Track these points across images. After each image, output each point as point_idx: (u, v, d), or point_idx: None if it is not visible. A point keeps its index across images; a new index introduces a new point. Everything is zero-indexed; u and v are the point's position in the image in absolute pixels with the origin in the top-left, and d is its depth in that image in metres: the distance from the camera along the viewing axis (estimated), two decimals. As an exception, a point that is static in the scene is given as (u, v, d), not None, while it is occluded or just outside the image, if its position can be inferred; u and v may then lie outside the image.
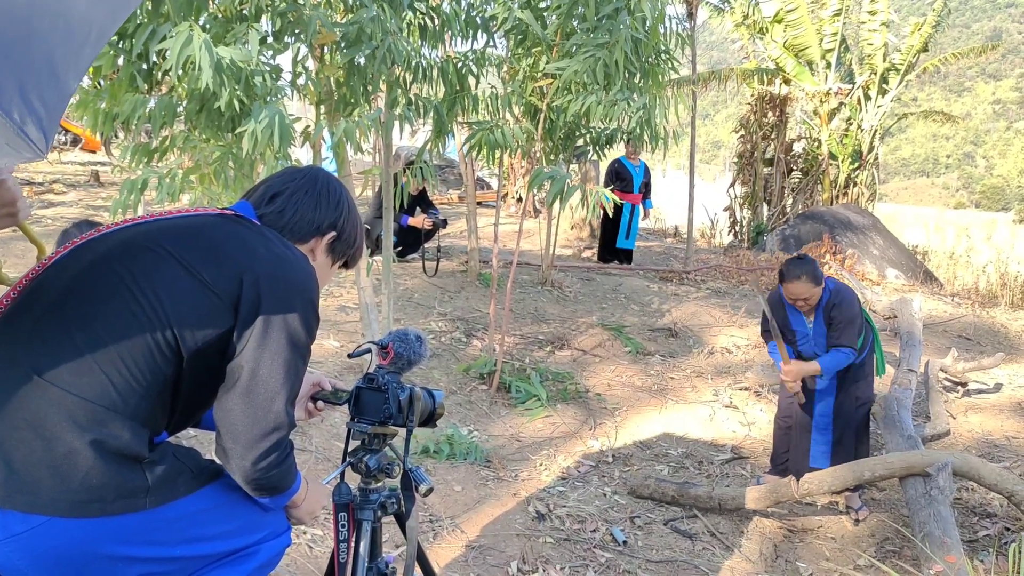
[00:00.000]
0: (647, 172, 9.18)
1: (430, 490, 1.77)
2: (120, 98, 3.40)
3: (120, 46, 3.41)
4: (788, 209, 12.83)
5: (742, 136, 13.08)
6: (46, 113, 1.43)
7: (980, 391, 5.80)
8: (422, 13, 4.29)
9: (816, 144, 13.05)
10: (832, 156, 12.86)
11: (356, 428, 1.75)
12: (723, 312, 7.17)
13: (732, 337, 6.52)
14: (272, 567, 1.59)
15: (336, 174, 3.43)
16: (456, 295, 6.66)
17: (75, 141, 14.39)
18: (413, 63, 4.14)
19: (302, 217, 1.59)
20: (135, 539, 1.33)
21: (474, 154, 4.95)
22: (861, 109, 12.84)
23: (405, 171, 4.91)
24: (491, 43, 4.72)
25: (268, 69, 3.47)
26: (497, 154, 4.93)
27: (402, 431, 1.77)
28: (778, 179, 12.90)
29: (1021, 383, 6.01)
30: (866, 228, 10.40)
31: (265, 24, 3.67)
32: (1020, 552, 2.61)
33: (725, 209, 13.27)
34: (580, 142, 6.46)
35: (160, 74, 3.55)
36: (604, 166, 9.50)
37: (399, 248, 7.16)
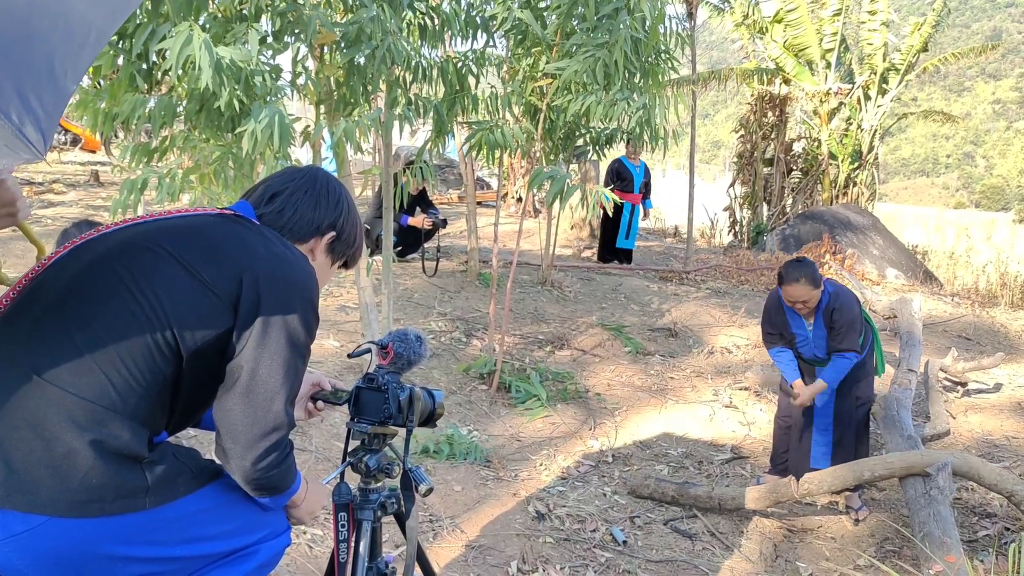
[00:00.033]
0: (647, 172, 9.18)
1: (430, 490, 1.77)
2: (120, 98, 3.40)
3: (120, 46, 3.41)
4: (788, 209, 12.84)
5: (742, 136, 13.08)
6: (44, 114, 1.43)
7: (980, 391, 5.80)
8: (422, 13, 4.29)
9: (816, 144, 13.05)
10: (832, 156, 12.86)
11: (356, 428, 1.75)
12: (723, 312, 7.17)
13: (732, 337, 6.53)
14: (272, 567, 1.59)
15: (336, 174, 3.45)
16: (456, 295, 6.66)
17: (75, 141, 14.39)
18: (413, 63, 4.14)
19: (301, 217, 1.59)
20: (135, 539, 1.33)
21: (474, 154, 4.95)
22: (861, 109, 12.84)
23: (405, 171, 4.91)
24: (491, 43, 4.72)
25: (268, 69, 3.47)
26: (497, 154, 4.93)
27: (402, 431, 1.77)
28: (778, 179, 12.90)
29: (1021, 383, 6.01)
30: (866, 228, 10.40)
31: (265, 24, 3.67)
32: (1020, 552, 2.61)
33: (725, 209, 13.27)
34: (580, 142, 6.46)
35: (160, 74, 3.55)
36: (604, 166, 9.50)
37: (399, 248, 7.16)
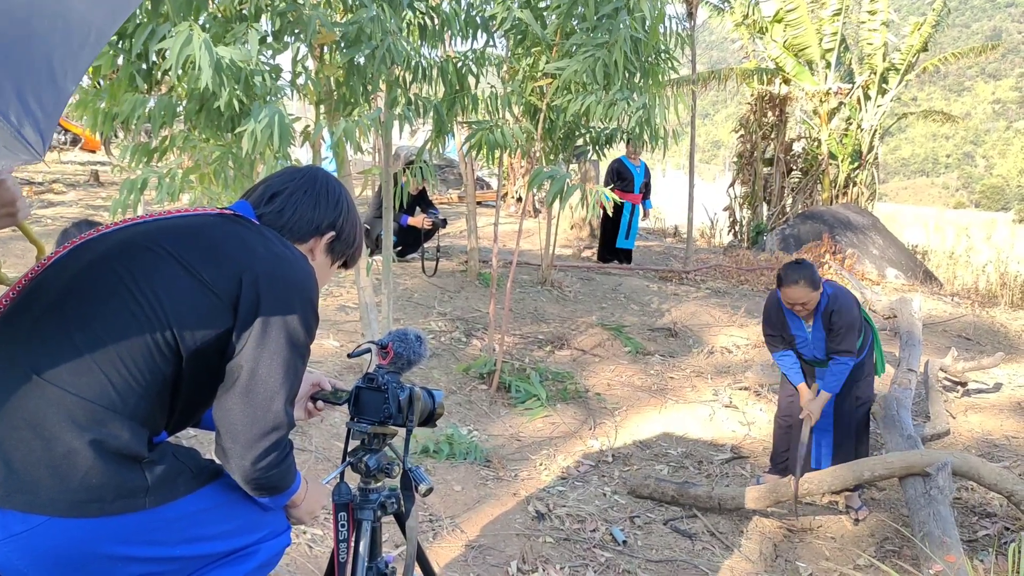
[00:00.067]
0: (647, 172, 9.18)
1: (430, 490, 1.77)
2: (120, 98, 3.40)
3: (120, 46, 3.41)
4: (788, 209, 12.84)
5: (742, 136, 13.08)
6: (43, 115, 1.43)
7: (980, 391, 5.80)
8: (422, 13, 4.29)
9: (816, 144, 13.05)
10: (832, 156, 12.86)
11: (356, 428, 1.75)
12: (723, 312, 7.17)
13: (732, 337, 6.53)
14: (272, 567, 1.59)
15: (336, 174, 3.45)
16: (456, 295, 6.66)
17: (75, 141, 14.38)
18: (413, 63, 4.14)
19: (301, 217, 1.59)
20: (134, 539, 1.33)
21: (474, 154, 4.95)
22: (861, 109, 12.84)
23: (405, 171, 4.91)
24: (491, 43, 4.72)
25: (268, 69, 3.47)
26: (497, 154, 4.93)
27: (402, 431, 1.77)
28: (778, 179, 12.90)
29: (1021, 383, 6.01)
30: (866, 228, 10.40)
31: (265, 24, 3.67)
32: (1020, 552, 2.61)
33: (725, 209, 13.27)
34: (580, 142, 6.46)
35: (160, 74, 3.55)
36: (604, 166, 9.50)
37: (399, 248, 7.15)
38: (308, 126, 3.89)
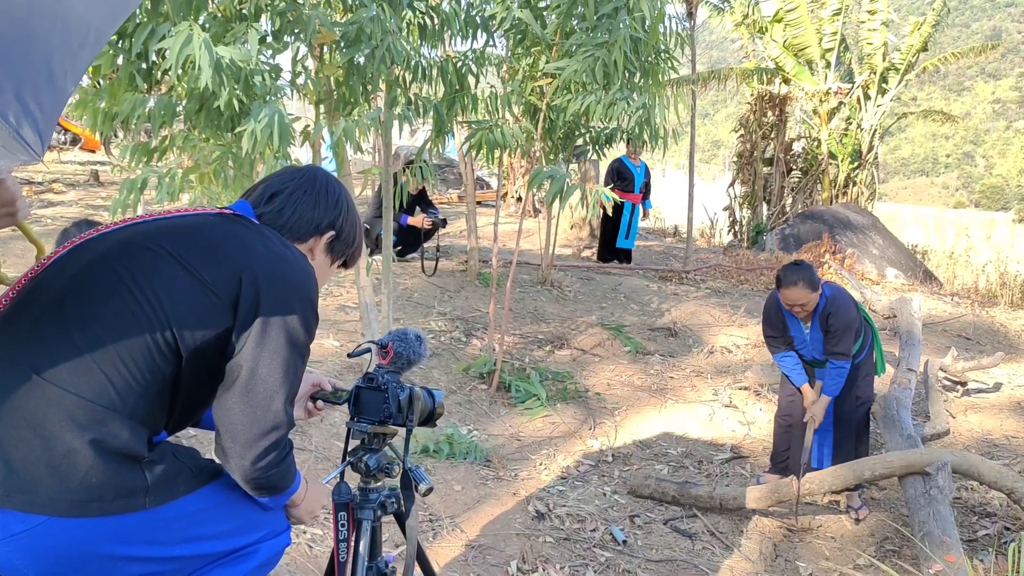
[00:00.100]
0: (647, 172, 9.18)
1: (430, 489, 1.77)
2: (119, 97, 3.40)
3: (119, 45, 3.41)
4: (788, 208, 12.83)
5: (742, 136, 13.08)
6: (42, 116, 1.43)
7: (979, 390, 5.80)
8: (421, 12, 4.29)
9: (816, 143, 13.05)
10: (832, 155, 12.86)
11: (356, 428, 1.75)
12: (723, 311, 7.17)
13: (732, 336, 6.53)
14: (272, 566, 1.59)
15: (335, 173, 3.45)
16: (456, 294, 6.66)
17: (74, 141, 14.38)
18: (413, 62, 4.14)
19: (301, 216, 1.59)
20: (134, 538, 1.33)
21: (474, 153, 4.95)
22: (861, 108, 12.84)
23: (405, 170, 4.91)
24: (491, 42, 4.72)
25: (267, 68, 3.47)
26: (496, 153, 4.93)
27: (402, 431, 1.77)
28: (778, 178, 12.90)
29: (1020, 382, 6.01)
30: (866, 227, 10.40)
31: (264, 23, 3.67)
32: (1020, 551, 2.61)
33: (725, 208, 13.27)
34: (580, 141, 6.46)
35: (159, 73, 3.55)
36: (604, 166, 9.50)
37: (399, 247, 7.15)
38: (308, 126, 3.89)
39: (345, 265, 1.72)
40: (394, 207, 4.91)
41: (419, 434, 4.00)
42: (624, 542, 3.50)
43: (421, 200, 7.40)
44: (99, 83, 3.66)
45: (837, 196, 12.82)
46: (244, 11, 3.55)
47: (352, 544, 1.73)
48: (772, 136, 12.79)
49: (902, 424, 4.20)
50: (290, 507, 1.58)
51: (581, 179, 8.06)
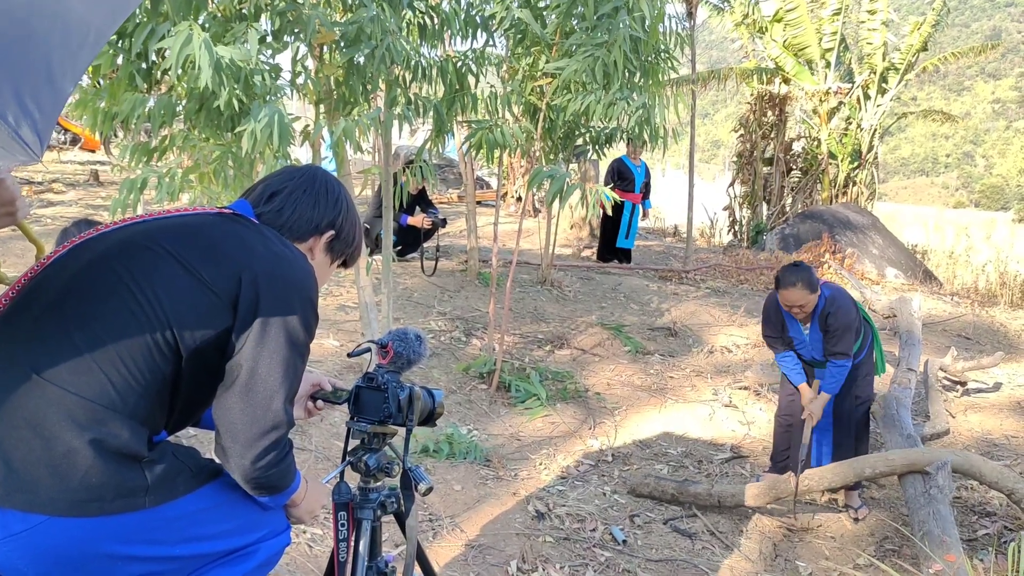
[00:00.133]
0: (648, 172, 9.18)
1: (429, 489, 1.77)
2: (119, 97, 3.40)
3: (119, 45, 3.41)
4: (787, 208, 12.84)
5: (741, 135, 13.08)
6: (41, 116, 1.43)
7: (979, 390, 5.81)
8: (421, 12, 4.29)
9: (815, 143, 13.05)
10: (831, 155, 12.87)
11: (356, 427, 1.75)
12: (722, 311, 7.18)
13: (732, 336, 6.53)
14: (271, 566, 1.59)
15: (335, 173, 3.45)
16: (455, 294, 6.66)
17: (74, 140, 14.37)
18: (412, 62, 4.14)
19: (300, 216, 1.59)
20: (134, 538, 1.33)
21: (473, 153, 4.95)
22: (860, 108, 12.84)
23: (404, 170, 4.91)
24: (490, 42, 4.72)
25: (267, 68, 3.47)
26: (496, 153, 4.93)
27: (402, 430, 1.77)
28: (777, 178, 12.90)
29: (1020, 382, 6.01)
30: (865, 227, 10.40)
31: (264, 23, 3.67)
32: (1019, 551, 2.62)
33: (724, 208, 13.27)
34: (579, 141, 6.47)
35: (159, 73, 3.55)
36: (604, 165, 9.49)
37: (398, 247, 7.15)
38: (308, 125, 3.89)
39: (345, 264, 1.72)
40: (394, 207, 4.91)
41: (419, 434, 4.00)
42: (624, 542, 3.50)
43: (421, 200, 7.40)
44: (99, 83, 3.66)
45: (837, 196, 12.82)
46: (244, 11, 3.55)
47: (352, 544, 1.73)
48: (772, 136, 12.79)
49: (902, 423, 4.20)
50: (290, 507, 1.58)
51: (581, 179, 8.05)
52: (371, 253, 6.61)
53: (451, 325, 5.90)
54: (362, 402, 1.75)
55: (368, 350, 1.83)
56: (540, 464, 4.22)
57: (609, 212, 8.10)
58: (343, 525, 1.74)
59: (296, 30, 3.63)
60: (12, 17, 1.21)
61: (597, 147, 6.54)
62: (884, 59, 12.71)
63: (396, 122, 4.24)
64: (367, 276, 4.56)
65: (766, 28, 12.88)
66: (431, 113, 4.49)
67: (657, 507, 3.88)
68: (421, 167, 4.62)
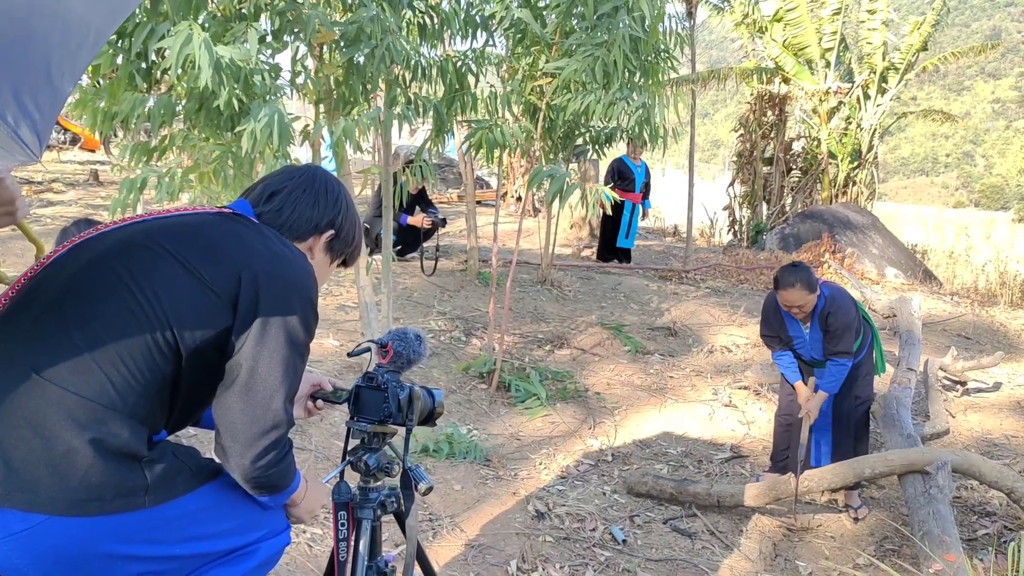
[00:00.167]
0: (648, 172, 9.18)
1: (429, 489, 1.77)
2: (119, 97, 3.40)
3: (119, 45, 3.41)
4: (787, 208, 12.84)
5: (741, 135, 13.08)
6: (40, 116, 1.43)
7: (979, 390, 5.81)
8: (421, 12, 4.29)
9: (815, 143, 13.05)
10: (831, 155, 12.87)
11: (355, 427, 1.75)
12: (722, 311, 7.18)
13: (731, 336, 6.53)
14: (271, 566, 1.59)
15: (335, 173, 3.44)
16: (455, 294, 6.66)
17: (74, 140, 14.36)
18: (412, 62, 4.14)
19: (300, 215, 1.59)
20: (134, 538, 1.33)
21: (473, 153, 4.95)
22: (860, 108, 12.84)
23: (404, 170, 4.91)
24: (490, 42, 4.72)
25: (267, 68, 3.47)
26: (496, 153, 4.93)
27: (401, 430, 1.77)
28: (777, 178, 12.90)
29: (1020, 382, 6.01)
30: (865, 227, 10.40)
31: (264, 23, 3.67)
32: (1019, 551, 2.62)
33: (724, 208, 13.27)
34: (579, 141, 6.47)
35: (159, 73, 3.55)
36: (604, 165, 9.49)
37: (398, 247, 7.15)
38: (308, 125, 3.89)
39: (344, 264, 1.72)
40: (394, 206, 4.91)
41: (419, 433, 4.00)
42: (624, 541, 3.50)
43: (421, 199, 7.40)
44: (99, 82, 3.65)
45: (837, 196, 12.82)
46: (244, 10, 3.55)
47: (352, 543, 1.73)
48: (772, 136, 12.80)
49: (902, 423, 4.20)
50: (290, 506, 1.58)
51: (581, 178, 8.05)
52: (371, 253, 6.61)
53: (451, 325, 5.90)
54: (362, 402, 1.75)
55: (368, 350, 1.83)
56: (540, 464, 4.22)
57: (609, 212, 8.10)
58: (343, 525, 1.74)
59: (296, 30, 3.63)
60: (12, 17, 1.21)
61: (597, 147, 6.54)
62: (884, 59, 12.71)
63: (396, 122, 4.24)
64: (367, 276, 4.56)
65: (766, 28, 12.88)
66: (431, 113, 4.49)
67: (657, 507, 3.88)
68: (421, 167, 4.62)
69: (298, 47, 3.77)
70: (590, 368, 5.67)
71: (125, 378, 1.33)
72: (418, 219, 7.22)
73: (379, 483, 1.79)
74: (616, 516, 3.74)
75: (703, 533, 3.69)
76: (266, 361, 1.39)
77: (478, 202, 9.10)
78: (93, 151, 14.58)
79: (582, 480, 4.09)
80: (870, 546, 3.70)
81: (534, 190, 6.31)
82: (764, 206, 13.06)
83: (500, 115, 4.95)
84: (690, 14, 9.21)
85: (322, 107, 4.08)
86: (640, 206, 9.05)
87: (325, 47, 3.90)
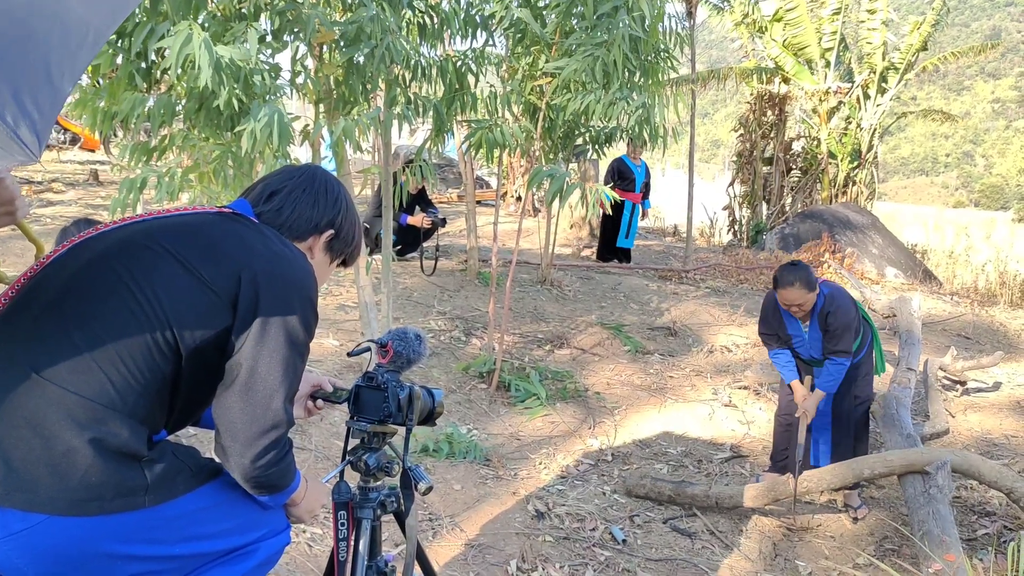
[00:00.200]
0: (648, 172, 9.18)
1: (429, 488, 1.77)
2: (119, 97, 3.39)
3: (119, 44, 3.41)
4: (787, 208, 12.84)
5: (741, 135, 13.08)
6: (40, 116, 1.43)
7: (979, 390, 5.81)
8: (421, 11, 4.29)
9: (815, 143, 13.05)
10: (831, 155, 12.87)
11: (355, 427, 1.75)
12: (722, 311, 7.18)
13: (731, 336, 6.53)
14: (271, 565, 1.59)
15: (335, 173, 3.45)
16: (455, 294, 6.66)
17: (74, 140, 14.36)
18: (412, 62, 4.14)
19: (300, 215, 1.59)
20: (134, 537, 1.33)
21: (473, 153, 4.95)
22: (860, 108, 12.84)
23: (404, 170, 4.91)
24: (490, 41, 4.72)
25: (267, 68, 3.47)
26: (496, 153, 4.93)
27: (401, 430, 1.77)
28: (777, 178, 12.91)
29: (1020, 382, 6.01)
30: (865, 227, 10.40)
31: (264, 23, 3.67)
32: (1019, 550, 2.62)
33: (724, 208, 13.27)
34: (579, 141, 6.47)
35: (159, 73, 3.55)
36: (604, 165, 9.49)
37: (398, 247, 7.15)
38: (307, 125, 3.89)
39: (344, 264, 1.72)
40: (394, 206, 4.91)
41: (419, 433, 4.01)
42: (624, 541, 3.50)
43: (421, 199, 7.40)
44: (99, 82, 3.65)
45: (837, 195, 12.82)
46: (244, 10, 3.55)
47: (352, 543, 1.73)
48: (772, 135, 12.80)
49: (902, 423, 4.20)
50: (290, 506, 1.58)
51: (581, 178, 8.05)
52: (371, 252, 6.61)
53: (451, 325, 5.90)
54: (362, 401, 1.75)
55: (368, 349, 1.83)
56: (540, 463, 4.22)
57: (609, 212, 8.10)
58: (343, 524, 1.74)
59: (296, 29, 3.63)
60: (11, 17, 1.21)
61: (597, 147, 6.54)
62: (884, 59, 12.72)
63: (396, 122, 4.24)
64: (367, 275, 4.56)
65: (766, 28, 12.88)
66: (431, 113, 4.49)
67: (657, 506, 3.88)
68: (421, 167, 4.62)
69: (298, 47, 3.77)
70: (590, 368, 5.67)
71: (125, 378, 1.33)
72: (418, 219, 7.22)
73: (379, 483, 1.79)
74: (616, 516, 3.74)
75: (703, 533, 3.69)
76: (266, 361, 1.39)
77: (478, 202, 9.09)
78: (93, 151, 14.58)
79: (582, 480, 4.09)
80: (870, 546, 3.70)
81: (534, 190, 6.31)
82: (764, 206, 13.06)
83: (500, 115, 4.95)
84: (690, 14, 9.21)
85: (322, 107, 4.08)
86: (640, 206, 9.05)
87: (325, 47, 3.90)
